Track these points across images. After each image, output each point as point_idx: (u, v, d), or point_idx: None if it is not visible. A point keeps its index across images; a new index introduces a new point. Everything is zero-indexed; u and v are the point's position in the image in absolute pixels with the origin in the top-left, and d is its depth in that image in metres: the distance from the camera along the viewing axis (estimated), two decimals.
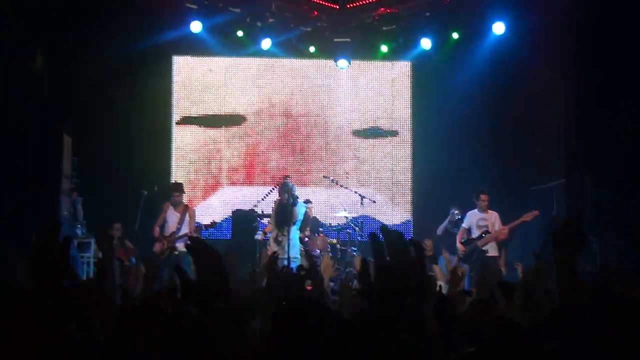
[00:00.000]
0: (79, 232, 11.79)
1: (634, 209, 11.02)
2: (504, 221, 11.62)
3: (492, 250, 11.57)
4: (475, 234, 11.74)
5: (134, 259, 12.16)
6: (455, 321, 4.50)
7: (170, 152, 14.82)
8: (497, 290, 6.27)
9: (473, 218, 11.84)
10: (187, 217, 11.58)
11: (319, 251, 12.95)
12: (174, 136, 14.93)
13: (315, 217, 13.88)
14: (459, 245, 11.78)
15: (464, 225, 11.96)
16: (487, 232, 11.61)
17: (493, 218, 11.69)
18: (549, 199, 12.78)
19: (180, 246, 11.23)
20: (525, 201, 13.30)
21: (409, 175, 15.28)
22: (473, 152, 14.17)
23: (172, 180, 13.86)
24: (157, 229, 11.51)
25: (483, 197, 11.75)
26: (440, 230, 12.88)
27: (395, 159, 15.35)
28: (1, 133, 10.66)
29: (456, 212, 12.63)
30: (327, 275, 8.53)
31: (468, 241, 11.75)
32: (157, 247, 11.42)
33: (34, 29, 11.57)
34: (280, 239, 11.16)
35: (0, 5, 10.92)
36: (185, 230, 11.45)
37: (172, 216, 11.54)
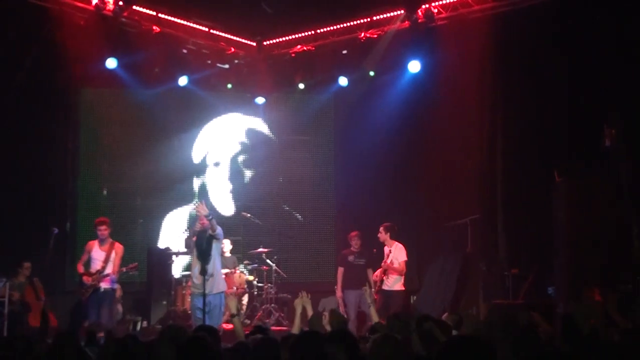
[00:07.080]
0: None
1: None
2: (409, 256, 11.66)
3: (396, 284, 11.50)
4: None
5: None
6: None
7: None
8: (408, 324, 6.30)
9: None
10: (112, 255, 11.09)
11: (235, 288, 12.77)
12: None
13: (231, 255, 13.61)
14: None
15: None
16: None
17: (396, 251, 11.56)
18: (463, 235, 12.76)
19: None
20: (440, 237, 13.33)
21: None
22: (389, 186, 14.13)
23: None
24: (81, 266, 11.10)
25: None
26: None
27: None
28: None
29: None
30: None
31: None
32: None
33: None
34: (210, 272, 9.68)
35: None
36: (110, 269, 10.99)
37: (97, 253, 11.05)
